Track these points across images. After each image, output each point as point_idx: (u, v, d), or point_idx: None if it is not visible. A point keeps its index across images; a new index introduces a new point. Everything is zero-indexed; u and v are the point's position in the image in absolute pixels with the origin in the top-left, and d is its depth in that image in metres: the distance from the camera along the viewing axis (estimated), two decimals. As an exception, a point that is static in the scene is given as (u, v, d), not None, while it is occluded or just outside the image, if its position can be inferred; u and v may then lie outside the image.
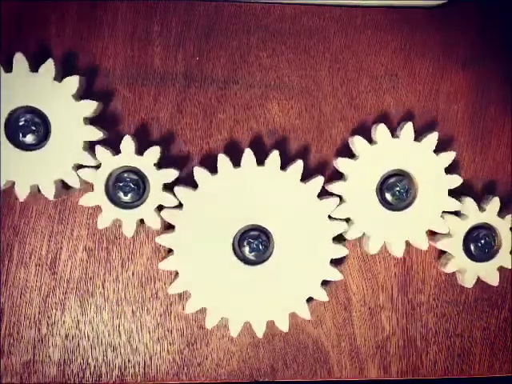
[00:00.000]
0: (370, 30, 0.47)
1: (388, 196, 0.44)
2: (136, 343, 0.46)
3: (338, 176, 0.45)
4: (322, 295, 0.44)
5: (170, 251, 0.45)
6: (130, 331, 0.46)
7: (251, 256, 0.43)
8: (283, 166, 0.43)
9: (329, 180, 0.45)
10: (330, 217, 0.44)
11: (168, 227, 0.45)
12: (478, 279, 0.46)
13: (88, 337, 0.46)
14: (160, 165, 0.44)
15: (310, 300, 0.44)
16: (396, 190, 0.44)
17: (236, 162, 0.43)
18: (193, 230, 0.43)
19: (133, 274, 0.46)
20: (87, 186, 0.44)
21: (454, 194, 0.45)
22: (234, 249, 0.43)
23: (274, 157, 0.43)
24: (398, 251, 0.45)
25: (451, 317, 0.48)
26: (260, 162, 0.43)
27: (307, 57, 0.47)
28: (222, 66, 0.46)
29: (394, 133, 0.45)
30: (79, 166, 0.43)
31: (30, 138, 0.42)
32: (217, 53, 0.46)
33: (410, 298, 0.47)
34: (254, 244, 0.43)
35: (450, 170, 0.45)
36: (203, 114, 0.46)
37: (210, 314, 0.44)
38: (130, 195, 0.43)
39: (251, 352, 0.47)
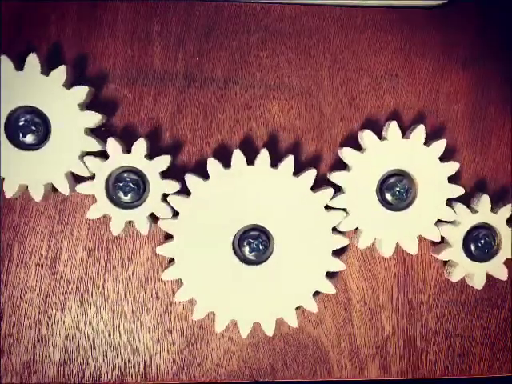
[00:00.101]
0: (370, 30, 0.47)
1: (388, 196, 0.44)
2: (136, 343, 0.46)
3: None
4: (328, 287, 0.44)
5: (170, 260, 0.45)
6: (130, 331, 0.46)
7: (251, 256, 0.43)
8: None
9: (328, 181, 0.45)
10: (327, 208, 0.44)
11: (167, 237, 0.45)
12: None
13: (88, 337, 0.46)
14: (165, 172, 0.44)
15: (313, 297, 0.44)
16: (396, 190, 0.44)
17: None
18: (192, 236, 0.43)
19: (133, 273, 0.46)
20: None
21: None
22: (234, 249, 0.43)
23: (265, 156, 0.43)
24: (387, 251, 0.45)
25: (451, 317, 0.48)
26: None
27: (307, 57, 0.47)
28: (222, 66, 0.46)
29: (402, 133, 0.45)
30: (88, 153, 0.43)
31: (30, 138, 0.42)
32: (217, 53, 0.46)
33: (410, 297, 0.47)
34: (254, 244, 0.43)
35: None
36: (203, 114, 0.46)
37: (218, 318, 0.44)
38: (129, 195, 0.43)
39: (251, 352, 0.47)
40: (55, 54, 0.45)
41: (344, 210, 0.44)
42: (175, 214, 0.44)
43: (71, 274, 0.46)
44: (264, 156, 0.43)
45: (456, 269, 0.45)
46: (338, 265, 0.44)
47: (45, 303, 0.46)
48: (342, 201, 0.44)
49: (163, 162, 0.43)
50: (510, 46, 0.47)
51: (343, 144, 0.46)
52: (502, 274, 0.45)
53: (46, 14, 0.45)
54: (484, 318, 0.48)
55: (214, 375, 0.47)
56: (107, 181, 0.43)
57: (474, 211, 0.45)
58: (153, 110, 0.46)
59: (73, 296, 0.46)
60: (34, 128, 0.42)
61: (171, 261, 0.45)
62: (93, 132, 0.44)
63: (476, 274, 0.45)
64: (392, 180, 0.44)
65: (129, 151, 0.43)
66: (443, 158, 0.44)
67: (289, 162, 0.43)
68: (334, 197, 0.44)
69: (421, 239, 0.45)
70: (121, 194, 0.43)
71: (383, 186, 0.44)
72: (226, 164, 0.43)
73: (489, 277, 0.46)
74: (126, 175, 0.43)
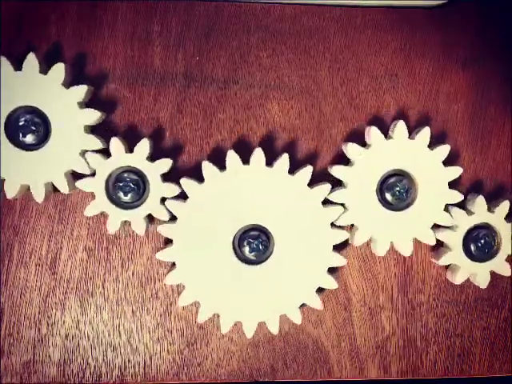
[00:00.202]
0: (370, 29, 0.47)
1: (388, 196, 0.44)
2: (136, 343, 0.46)
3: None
4: (331, 283, 0.44)
5: (172, 263, 0.45)
6: (130, 331, 0.46)
7: (252, 256, 0.43)
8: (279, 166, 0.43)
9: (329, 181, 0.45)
10: (325, 203, 0.44)
11: (166, 242, 0.45)
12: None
13: (88, 337, 0.46)
14: (165, 176, 0.44)
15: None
16: (396, 190, 0.44)
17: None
18: (191, 239, 0.43)
19: (133, 273, 0.46)
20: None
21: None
22: (234, 250, 0.43)
23: (259, 155, 0.43)
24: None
25: (451, 317, 0.48)
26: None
27: (307, 57, 0.47)
28: (222, 66, 0.46)
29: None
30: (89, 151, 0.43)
31: (30, 138, 0.42)
32: (217, 53, 0.46)
33: (410, 298, 0.47)
34: (253, 244, 0.43)
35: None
36: (203, 114, 0.46)
37: (223, 320, 0.44)
38: (130, 195, 0.43)
39: (251, 352, 0.47)
40: (55, 53, 0.45)
41: (342, 205, 0.44)
42: (173, 217, 0.44)
43: (71, 273, 0.46)
44: (259, 155, 0.43)
45: (459, 272, 0.45)
46: (339, 260, 0.44)
47: (45, 303, 0.46)
48: (342, 195, 0.44)
49: (165, 164, 0.43)
50: (510, 46, 0.47)
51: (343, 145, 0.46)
52: (505, 270, 0.45)
53: (45, 13, 0.45)
54: (484, 318, 0.48)
55: (214, 375, 0.47)
56: (107, 180, 0.43)
57: (470, 213, 0.45)
58: (153, 110, 0.46)
59: (73, 296, 0.46)
60: (33, 128, 0.42)
61: (173, 264, 0.45)
62: (93, 131, 0.44)
63: (479, 273, 0.45)
64: (393, 179, 0.44)
65: (130, 151, 0.43)
66: (445, 162, 0.44)
67: (284, 160, 0.43)
68: (333, 190, 0.44)
69: (414, 242, 0.45)
70: (121, 194, 0.43)
71: (383, 185, 0.44)
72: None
73: (490, 277, 0.46)
74: (126, 175, 0.43)
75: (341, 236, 0.44)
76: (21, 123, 0.42)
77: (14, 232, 0.46)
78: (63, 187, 0.43)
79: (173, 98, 0.46)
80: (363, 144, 0.45)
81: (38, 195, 0.43)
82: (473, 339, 0.48)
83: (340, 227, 0.44)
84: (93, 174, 0.43)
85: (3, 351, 0.46)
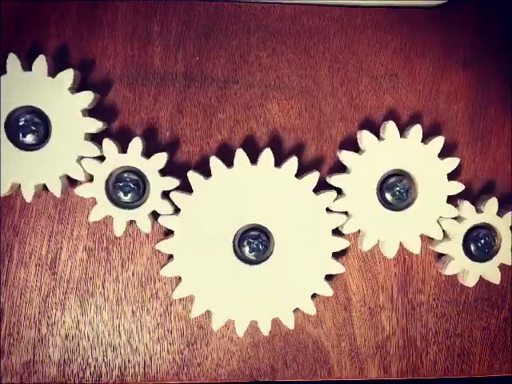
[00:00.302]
0: (370, 29, 0.47)
1: (388, 196, 0.44)
2: (136, 343, 0.46)
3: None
4: (326, 290, 0.44)
5: (170, 257, 0.45)
6: (130, 331, 0.46)
7: (251, 256, 0.43)
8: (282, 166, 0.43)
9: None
10: (328, 210, 0.44)
11: (166, 234, 0.45)
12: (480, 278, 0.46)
13: (88, 337, 0.46)
14: (164, 171, 0.44)
15: (312, 298, 0.44)
16: (396, 190, 0.44)
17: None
18: (192, 233, 0.43)
19: (133, 274, 0.46)
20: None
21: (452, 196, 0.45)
22: (234, 248, 0.43)
23: (268, 155, 0.43)
24: (391, 252, 0.45)
25: (451, 317, 0.48)
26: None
27: (307, 57, 0.47)
28: (222, 66, 0.46)
29: (401, 132, 0.45)
30: (82, 158, 0.43)
31: (30, 138, 0.42)
32: (217, 53, 0.46)
33: (410, 298, 0.47)
34: (253, 244, 0.43)
35: (450, 173, 0.45)
36: (203, 114, 0.46)
37: (215, 316, 0.44)
38: (130, 195, 0.43)
39: (251, 352, 0.47)
40: (55, 53, 0.45)
41: (345, 212, 0.44)
42: (176, 210, 0.44)
43: (71, 273, 0.46)
44: (267, 155, 0.43)
45: (451, 263, 0.45)
46: (337, 267, 0.44)
47: (45, 303, 0.46)
48: (343, 204, 0.44)
49: (160, 159, 0.43)
50: (510, 46, 0.47)
51: (343, 144, 0.46)
52: (495, 277, 0.45)
53: (45, 13, 0.45)
54: (484, 318, 0.48)
55: (214, 375, 0.47)
56: (107, 182, 0.43)
57: (479, 211, 0.45)
58: (153, 110, 0.46)
59: (73, 296, 0.46)
60: (33, 128, 0.42)
61: (170, 257, 0.45)
62: (93, 138, 0.44)
63: (470, 272, 0.45)
64: (392, 180, 0.44)
65: (125, 151, 0.43)
66: (442, 156, 0.44)
67: (292, 162, 0.43)
68: (334, 200, 0.44)
69: (421, 238, 0.45)
70: (121, 194, 0.43)
71: (383, 187, 0.44)
72: (227, 164, 0.43)
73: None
74: (125, 175, 0.43)
75: (341, 244, 0.44)
76: (21, 123, 0.42)
77: (14, 232, 0.46)
78: (56, 190, 0.43)
79: (173, 98, 0.46)
80: (359, 148, 0.45)
81: (27, 194, 0.43)
82: (473, 339, 0.48)
83: (342, 235, 0.44)
84: (91, 180, 0.43)
85: (3, 351, 0.46)
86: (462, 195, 0.45)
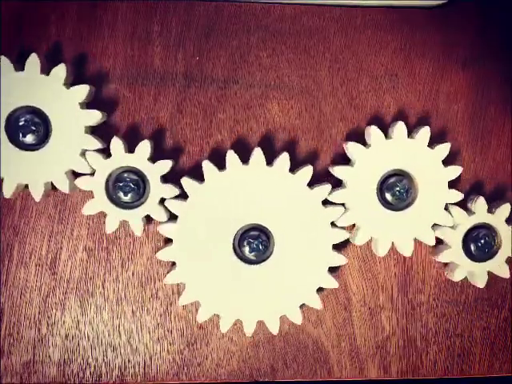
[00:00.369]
0: (370, 29, 0.47)
1: (388, 196, 0.44)
2: (136, 343, 0.46)
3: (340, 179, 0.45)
4: (331, 282, 0.44)
5: (173, 264, 0.45)
6: (130, 331, 0.46)
7: (252, 256, 0.43)
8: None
9: (329, 181, 0.45)
10: (325, 203, 0.44)
11: (166, 241, 0.45)
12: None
13: (88, 337, 0.46)
14: (165, 176, 0.44)
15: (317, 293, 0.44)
16: (396, 190, 0.44)
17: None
18: (192, 239, 0.43)
19: (133, 274, 0.46)
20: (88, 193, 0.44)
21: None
22: (234, 250, 0.43)
23: (259, 154, 0.43)
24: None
25: (451, 317, 0.48)
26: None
27: (307, 57, 0.47)
28: (221, 66, 0.46)
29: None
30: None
31: (30, 138, 0.42)
32: (217, 53, 0.46)
33: (410, 298, 0.47)
34: (253, 244, 0.43)
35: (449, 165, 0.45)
36: (203, 114, 0.46)
37: (223, 319, 0.44)
38: (130, 195, 0.43)
39: (251, 352, 0.47)
40: (55, 53, 0.45)
41: (343, 205, 0.44)
42: (172, 217, 0.44)
43: (71, 273, 0.46)
44: (258, 155, 0.43)
45: (457, 269, 0.45)
46: (339, 259, 0.44)
47: (45, 303, 0.46)
48: (342, 195, 0.44)
49: (164, 166, 0.43)
50: (510, 46, 0.47)
51: (342, 145, 0.46)
52: (504, 272, 0.45)
53: (46, 13, 0.45)
54: (484, 318, 0.48)
55: (214, 375, 0.47)
56: (107, 180, 0.43)
57: (470, 213, 0.45)
58: (153, 110, 0.46)
59: (73, 296, 0.46)
60: (33, 128, 0.42)
61: (173, 264, 0.45)
62: (93, 131, 0.44)
63: (478, 273, 0.45)
64: (392, 179, 0.44)
65: (130, 151, 0.43)
66: (445, 162, 0.44)
67: (284, 158, 0.43)
68: (333, 191, 0.44)
69: (414, 242, 0.45)
70: (121, 194, 0.43)
71: (383, 185, 0.44)
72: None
73: (489, 276, 0.46)
74: (126, 175, 0.43)
75: (341, 236, 0.44)
76: (21, 123, 0.42)
77: (14, 232, 0.46)
78: (63, 187, 0.43)
79: (173, 98, 0.46)
80: (363, 144, 0.45)
81: (37, 194, 0.43)
82: (473, 339, 0.48)
83: (340, 227, 0.44)
84: (92, 174, 0.43)
85: (3, 351, 0.46)
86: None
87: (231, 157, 0.43)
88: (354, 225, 0.45)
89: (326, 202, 0.44)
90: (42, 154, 0.42)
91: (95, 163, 0.43)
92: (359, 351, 0.47)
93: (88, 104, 0.44)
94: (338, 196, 0.44)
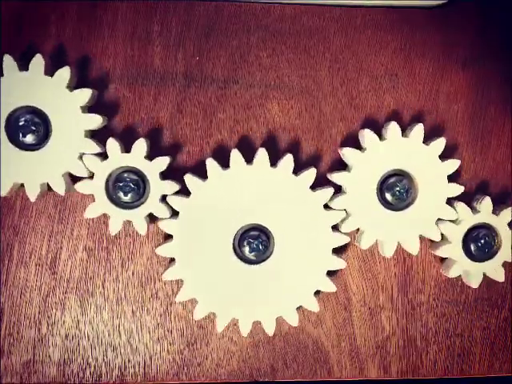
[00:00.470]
0: (370, 29, 0.47)
1: (389, 197, 0.44)
2: (136, 343, 0.46)
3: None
4: (329, 286, 0.44)
5: (171, 259, 0.45)
6: (130, 331, 0.46)
7: (251, 256, 0.43)
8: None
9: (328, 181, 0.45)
10: (326, 207, 0.44)
11: (166, 237, 0.45)
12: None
13: (88, 337, 0.46)
14: (164, 172, 0.44)
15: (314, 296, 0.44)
16: (396, 190, 0.44)
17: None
18: (192, 236, 0.43)
19: (133, 273, 0.46)
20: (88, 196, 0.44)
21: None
22: (234, 249, 0.43)
23: (263, 155, 0.43)
24: (389, 251, 0.45)
25: (451, 317, 0.48)
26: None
27: (307, 57, 0.47)
28: (221, 66, 0.46)
29: (402, 132, 0.45)
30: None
31: (30, 138, 0.42)
32: (217, 53, 0.46)
33: (410, 298, 0.47)
34: (253, 244, 0.43)
35: (450, 173, 0.45)
36: (203, 114, 0.46)
37: (219, 318, 0.44)
38: (130, 195, 0.43)
39: (251, 352, 0.47)
40: (55, 54, 0.45)
41: (344, 210, 0.44)
42: (173, 214, 0.44)
43: (71, 273, 0.46)
44: (262, 155, 0.43)
45: (454, 266, 0.45)
46: (338, 263, 0.44)
47: (45, 303, 0.46)
48: (343, 201, 0.44)
49: (162, 162, 0.43)
50: (510, 46, 0.47)
51: (343, 144, 0.46)
52: (499, 275, 0.45)
53: (45, 13, 0.45)
54: (484, 318, 0.48)
55: (214, 375, 0.47)
56: (107, 181, 0.43)
57: (475, 211, 0.45)
58: (153, 110, 0.46)
59: (73, 296, 0.46)
60: (33, 128, 0.42)
61: (172, 260, 0.45)
62: (93, 135, 0.44)
63: (473, 273, 0.45)
64: (392, 180, 0.44)
65: (128, 151, 0.43)
66: (443, 157, 0.44)
67: (288, 160, 0.43)
68: (334, 197, 0.44)
69: (421, 239, 0.45)
70: (121, 194, 0.43)
71: (383, 186, 0.44)
72: (226, 164, 0.43)
73: (488, 277, 0.46)
74: (126, 175, 0.43)
75: (341, 240, 0.44)
76: (21, 123, 0.42)
77: (14, 232, 0.46)
78: (59, 189, 0.43)
79: (173, 98, 0.46)
80: (360, 147, 0.45)
81: (32, 194, 0.43)
82: (473, 339, 0.48)
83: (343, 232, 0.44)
84: (90, 177, 0.43)
85: (3, 351, 0.46)
86: (462, 195, 0.45)
87: (235, 156, 0.43)
88: (357, 229, 0.45)
89: (327, 206, 0.44)
90: (41, 154, 0.42)
91: (93, 166, 0.43)
92: (359, 351, 0.47)
93: (89, 106, 0.44)
94: (339, 202, 0.44)
